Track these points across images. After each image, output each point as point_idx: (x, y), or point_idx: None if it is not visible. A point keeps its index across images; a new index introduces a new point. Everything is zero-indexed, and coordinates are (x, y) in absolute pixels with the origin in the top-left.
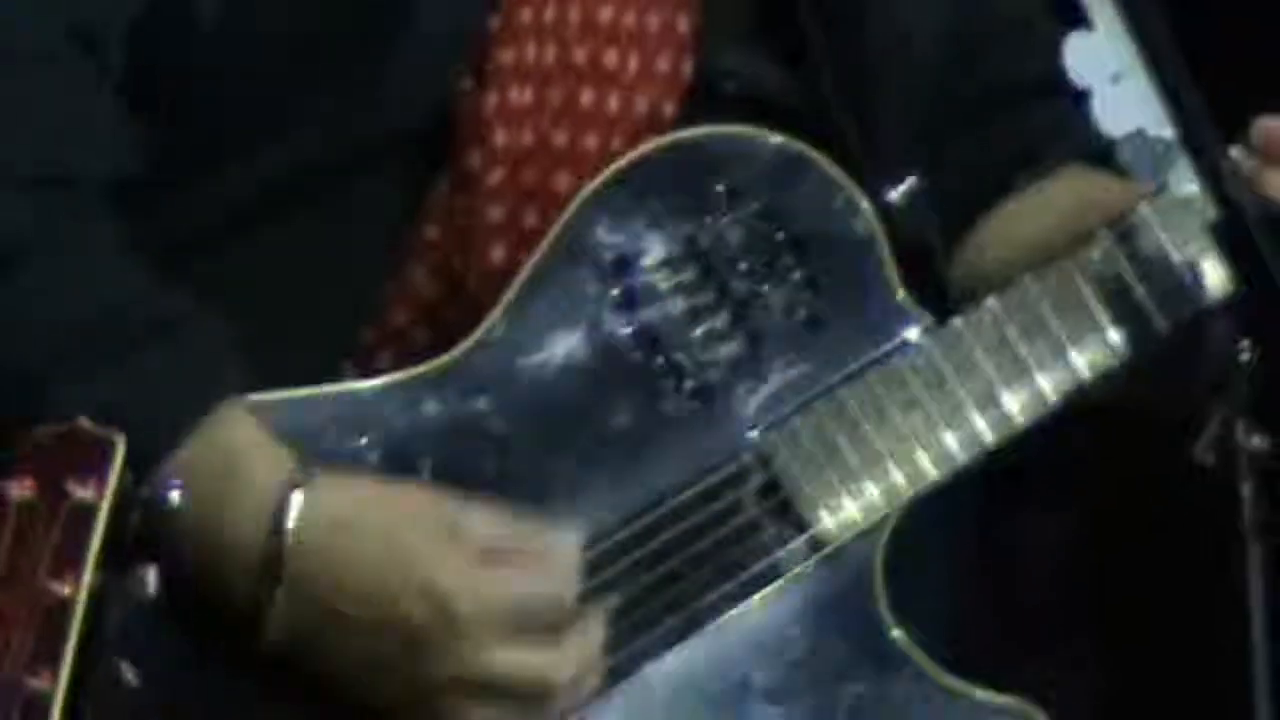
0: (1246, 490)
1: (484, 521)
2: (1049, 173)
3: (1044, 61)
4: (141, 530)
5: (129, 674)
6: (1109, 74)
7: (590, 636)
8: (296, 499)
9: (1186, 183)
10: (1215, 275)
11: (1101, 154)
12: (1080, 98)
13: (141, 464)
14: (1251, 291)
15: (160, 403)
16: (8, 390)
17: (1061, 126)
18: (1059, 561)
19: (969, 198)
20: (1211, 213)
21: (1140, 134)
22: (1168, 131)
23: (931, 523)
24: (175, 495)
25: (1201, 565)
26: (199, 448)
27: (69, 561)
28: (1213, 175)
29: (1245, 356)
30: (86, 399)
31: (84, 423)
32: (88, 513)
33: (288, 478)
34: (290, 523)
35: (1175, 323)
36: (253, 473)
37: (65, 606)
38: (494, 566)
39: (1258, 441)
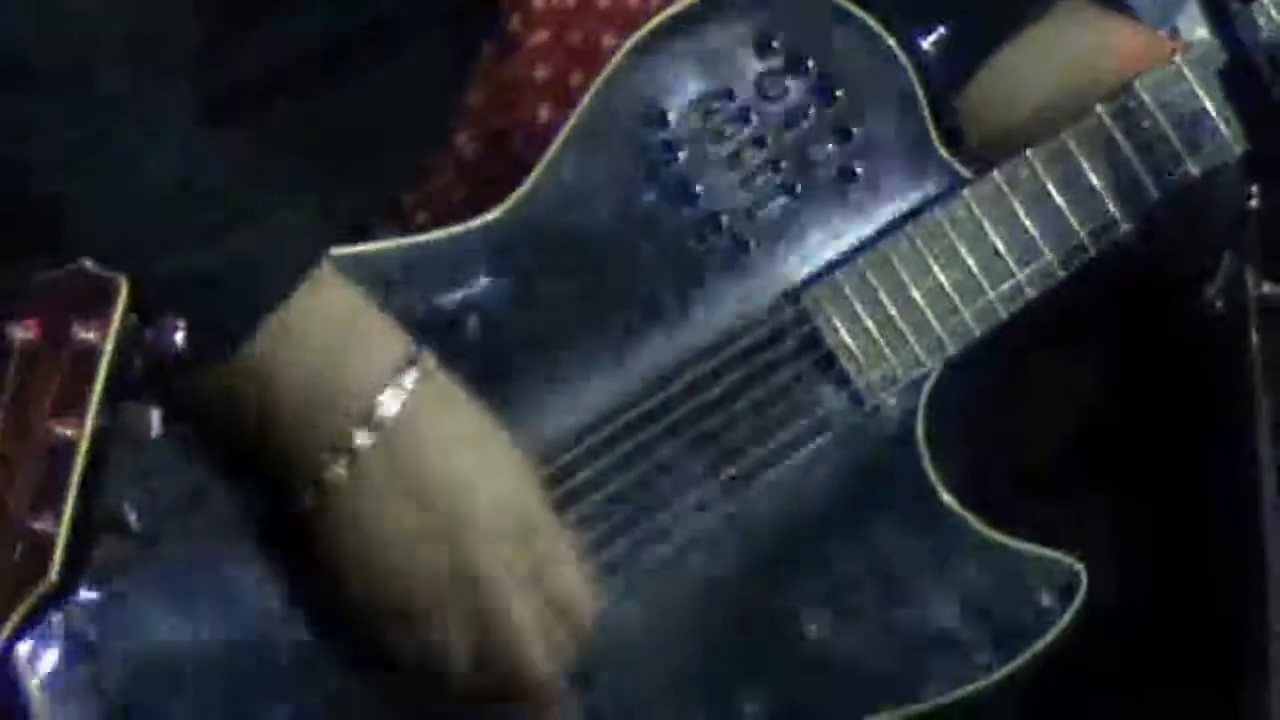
0: (1254, 337)
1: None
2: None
3: None
4: (146, 372)
5: (131, 515)
6: None
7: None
8: (410, 375)
9: (1196, 26)
10: (1235, 128)
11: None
12: None
13: (242, 324)
14: (1258, 134)
15: (264, 259)
16: (108, 251)
17: None
18: (1073, 410)
19: (986, 38)
20: (1222, 59)
21: None
22: None
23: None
24: (179, 337)
25: (1213, 412)
26: (304, 305)
27: (73, 403)
28: (1221, 17)
29: (1254, 204)
30: (187, 257)
31: (88, 264)
32: (91, 354)
33: (405, 352)
34: (402, 391)
35: (1203, 172)
36: (371, 334)
37: (69, 448)
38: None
39: (1267, 288)
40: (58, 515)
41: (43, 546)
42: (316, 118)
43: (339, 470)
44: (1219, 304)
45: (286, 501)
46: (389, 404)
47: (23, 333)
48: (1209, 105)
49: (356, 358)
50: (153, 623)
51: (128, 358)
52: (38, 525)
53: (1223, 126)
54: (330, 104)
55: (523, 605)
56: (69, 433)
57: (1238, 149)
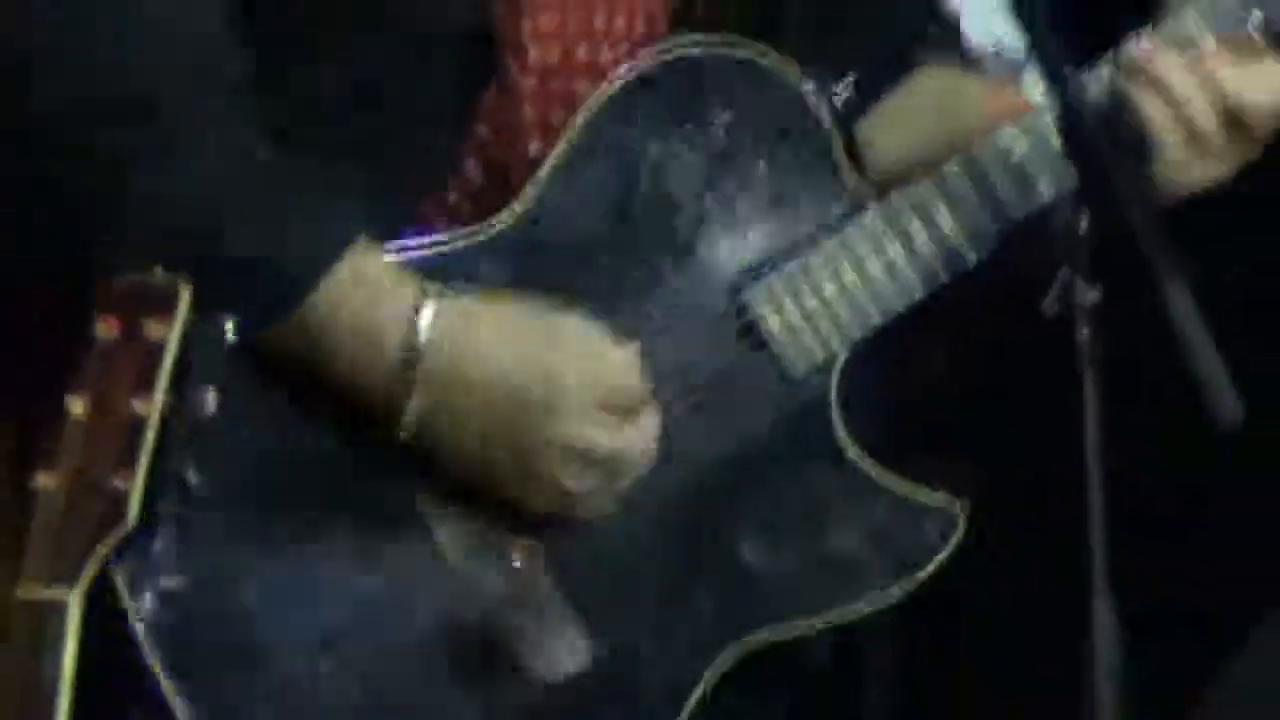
0: (1083, 335)
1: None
2: (928, 72)
3: None
4: (203, 359)
5: (193, 477)
6: (976, 4)
7: (653, 424)
8: (430, 306)
9: (1035, 87)
10: (1068, 172)
11: (970, 62)
12: (953, 21)
13: (297, 287)
14: (1087, 177)
15: (313, 244)
16: (177, 242)
17: (938, 37)
18: (941, 385)
19: (875, 90)
20: (1057, 114)
21: (999, 50)
22: (1020, 46)
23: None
24: (230, 329)
25: (1050, 396)
26: (353, 269)
27: (144, 386)
28: (1056, 82)
29: (1083, 228)
30: (252, 239)
31: (157, 272)
32: (159, 346)
33: (419, 288)
34: (429, 329)
35: (1041, 206)
36: (398, 288)
37: (141, 422)
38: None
39: (1092, 296)
40: (133, 474)
41: (120, 499)
42: (347, 142)
43: (410, 404)
44: (1055, 308)
45: (365, 436)
46: (424, 336)
47: (104, 328)
48: (1046, 153)
49: (392, 305)
50: (207, 557)
51: (188, 348)
52: (117, 483)
53: (1056, 171)
54: (358, 131)
55: (567, 459)
56: (142, 410)
57: (1069, 188)
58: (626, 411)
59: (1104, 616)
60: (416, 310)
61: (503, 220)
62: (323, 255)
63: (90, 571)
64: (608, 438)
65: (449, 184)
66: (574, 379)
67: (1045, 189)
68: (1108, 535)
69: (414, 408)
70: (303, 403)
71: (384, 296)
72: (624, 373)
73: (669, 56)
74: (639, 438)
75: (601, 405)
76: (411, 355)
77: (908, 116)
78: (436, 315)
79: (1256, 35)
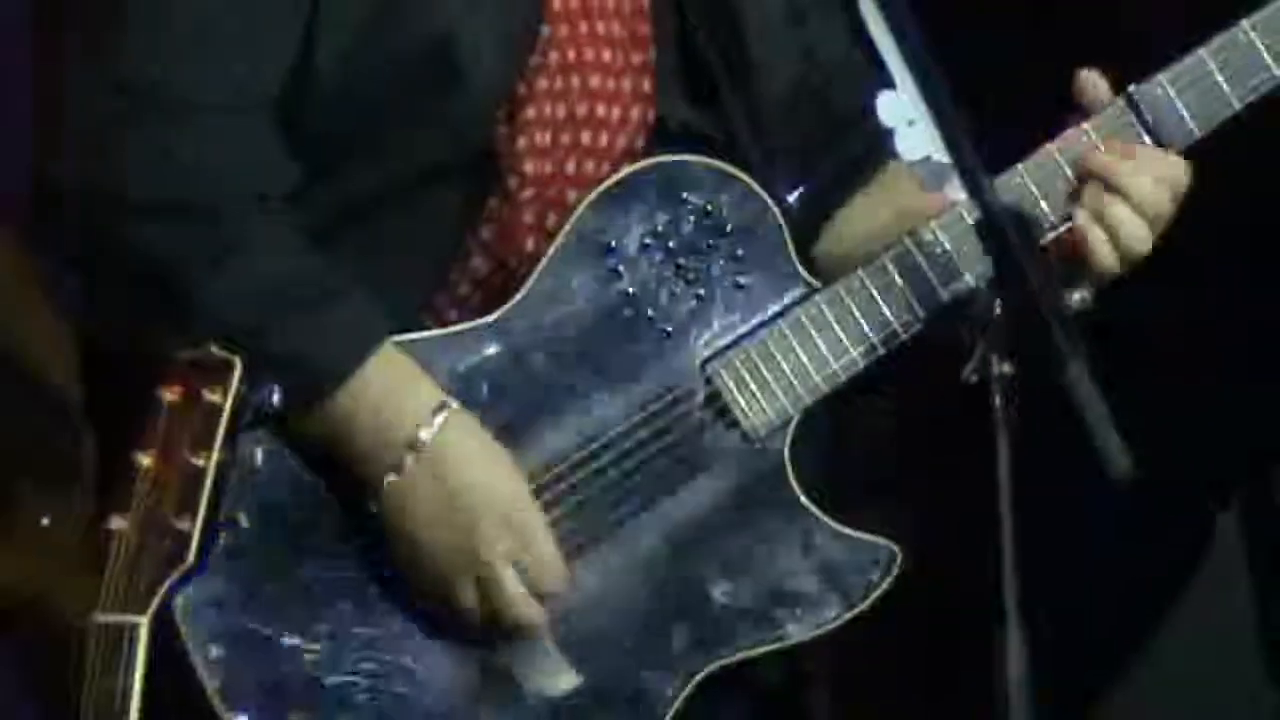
0: (997, 400)
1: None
2: (869, 182)
3: (861, 102)
4: (252, 420)
5: (245, 520)
6: (907, 119)
7: (537, 614)
8: (441, 415)
9: (958, 192)
10: (982, 263)
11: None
12: (888, 134)
13: (328, 382)
14: (1001, 271)
15: (346, 340)
16: (234, 333)
17: (874, 151)
18: (880, 442)
19: (826, 200)
20: (976, 214)
21: (928, 159)
22: (945, 158)
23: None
24: (275, 398)
25: (969, 449)
26: (377, 368)
27: (203, 443)
28: (975, 188)
29: (998, 312)
30: (291, 339)
31: (214, 347)
32: (216, 410)
33: (438, 401)
34: (435, 426)
35: (956, 296)
36: (417, 389)
37: (201, 473)
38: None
39: (1005, 368)
40: (194, 518)
41: (184, 538)
42: (374, 240)
43: (394, 478)
44: (974, 378)
45: (361, 502)
46: (425, 433)
47: (170, 394)
48: (966, 246)
49: (409, 403)
50: (255, 588)
51: (240, 411)
52: (180, 525)
53: (975, 262)
54: (384, 231)
55: (507, 572)
56: (201, 462)
57: (986, 276)
58: (532, 577)
59: (1015, 632)
60: (428, 416)
61: (505, 308)
62: (352, 355)
63: (158, 600)
64: (510, 588)
65: (460, 277)
66: (510, 534)
67: (966, 278)
68: (1017, 565)
69: (390, 484)
70: (328, 465)
71: (401, 396)
72: (547, 556)
73: (647, 168)
74: (524, 608)
75: (520, 564)
76: (411, 443)
77: (860, 220)
78: (442, 426)
79: (1146, 139)
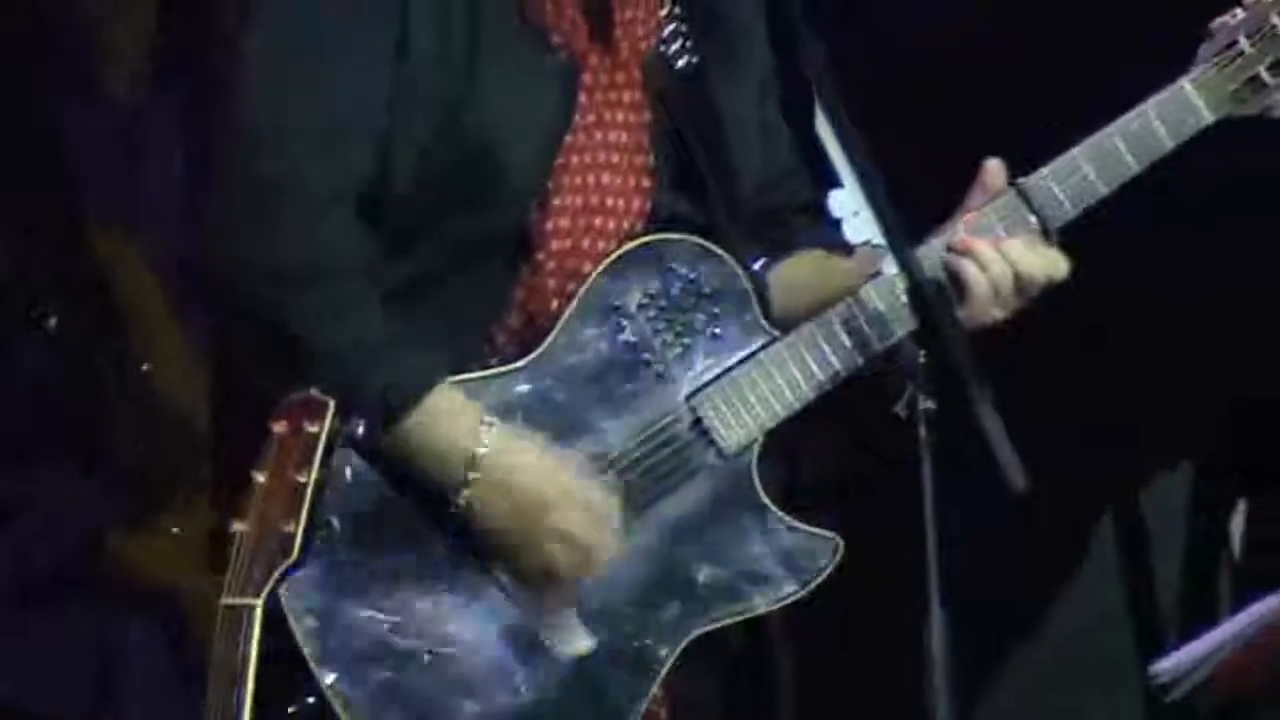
0: (921, 429)
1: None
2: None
3: (811, 196)
4: (343, 446)
5: (336, 523)
6: (853, 211)
7: (610, 537)
8: (490, 432)
9: (891, 266)
10: (909, 321)
11: (848, 249)
12: (837, 223)
13: (401, 413)
14: (925, 327)
15: (411, 380)
16: (329, 376)
17: (817, 236)
18: (828, 457)
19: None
20: (905, 284)
21: (868, 242)
22: (882, 242)
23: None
24: (360, 429)
25: (900, 466)
26: (435, 401)
27: (305, 463)
28: (905, 265)
29: (922, 359)
30: (373, 378)
31: (314, 391)
32: (314, 439)
33: (484, 421)
34: (486, 443)
35: (888, 346)
36: (467, 416)
37: (303, 487)
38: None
39: (929, 404)
40: (297, 522)
41: (289, 539)
42: (433, 300)
43: (466, 493)
44: (904, 411)
45: (424, 506)
46: (483, 449)
47: (280, 427)
48: (896, 307)
49: (460, 427)
50: (341, 575)
51: (333, 440)
52: (286, 528)
53: (903, 319)
54: (441, 293)
55: (581, 525)
56: (303, 479)
57: (912, 329)
58: (595, 519)
59: (938, 619)
60: (481, 436)
61: (534, 354)
62: (419, 391)
63: (269, 587)
64: (582, 531)
65: (498, 330)
66: (568, 494)
67: (896, 330)
68: (940, 565)
69: (465, 495)
70: (400, 479)
71: (457, 421)
72: (598, 498)
73: (645, 245)
74: (598, 536)
75: (582, 513)
76: (471, 461)
77: (806, 281)
78: (494, 440)
79: (1035, 227)
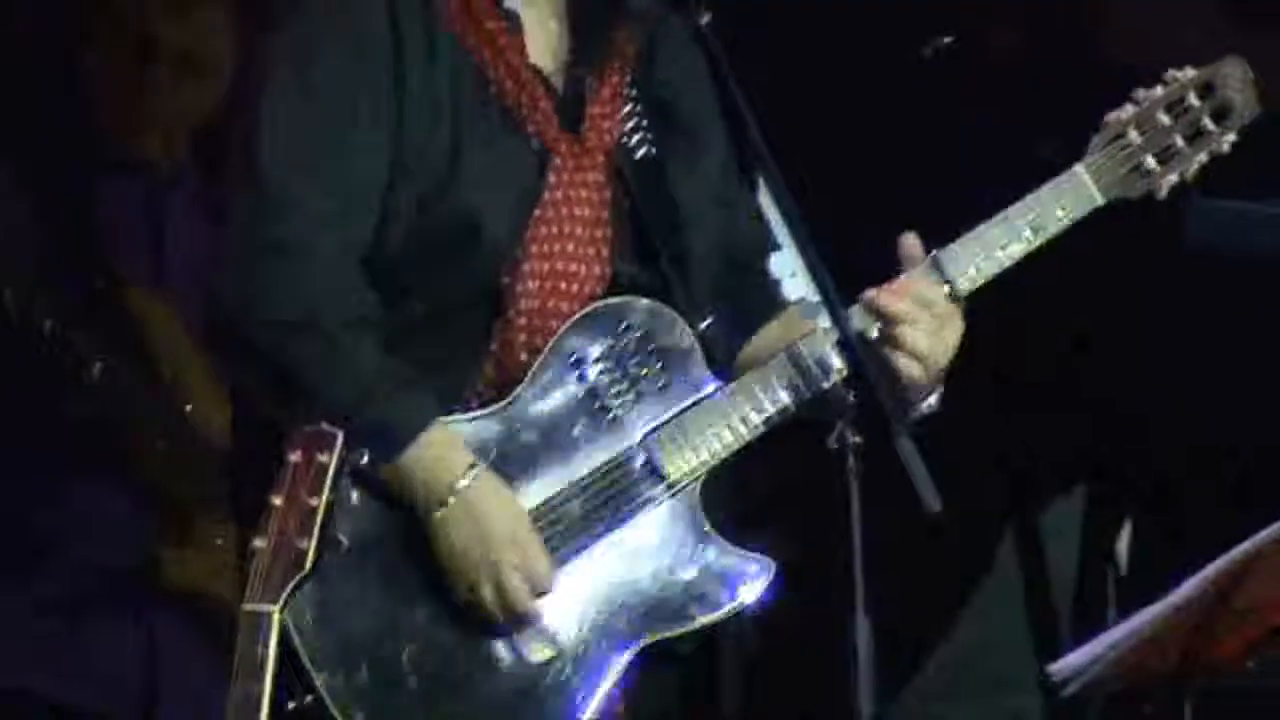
0: (850, 459)
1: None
2: (769, 319)
3: (762, 261)
4: (350, 473)
5: (343, 539)
6: (790, 271)
7: (530, 597)
8: (474, 471)
9: (825, 320)
10: (840, 369)
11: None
12: (777, 282)
13: (397, 449)
14: (855, 374)
15: (410, 419)
16: (330, 414)
17: (769, 297)
18: (764, 488)
19: (732, 331)
20: (836, 337)
21: (803, 299)
22: (817, 299)
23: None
24: (365, 459)
25: (831, 492)
26: (425, 437)
27: (316, 487)
28: (837, 321)
29: (852, 399)
30: (372, 415)
31: (325, 425)
32: (325, 466)
33: (471, 461)
34: (464, 481)
35: (821, 389)
36: (456, 453)
37: (315, 509)
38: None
39: (857, 439)
40: (310, 539)
41: (302, 554)
42: (419, 353)
43: (441, 512)
44: (835, 444)
45: (416, 528)
46: (462, 482)
47: (294, 455)
48: (829, 356)
49: (454, 458)
50: (346, 584)
51: (341, 467)
52: (300, 545)
53: (835, 366)
54: (424, 346)
55: (515, 575)
56: (315, 502)
57: (843, 375)
58: (531, 580)
59: (863, 625)
60: (464, 472)
61: (506, 400)
62: (413, 430)
63: (285, 595)
64: (516, 585)
65: (476, 378)
66: (516, 543)
67: (830, 376)
68: (866, 577)
69: (439, 514)
70: (397, 503)
71: (445, 458)
72: (535, 554)
73: (602, 306)
74: (524, 600)
75: (515, 565)
76: (451, 488)
77: (765, 343)
78: (473, 478)
79: (946, 293)
